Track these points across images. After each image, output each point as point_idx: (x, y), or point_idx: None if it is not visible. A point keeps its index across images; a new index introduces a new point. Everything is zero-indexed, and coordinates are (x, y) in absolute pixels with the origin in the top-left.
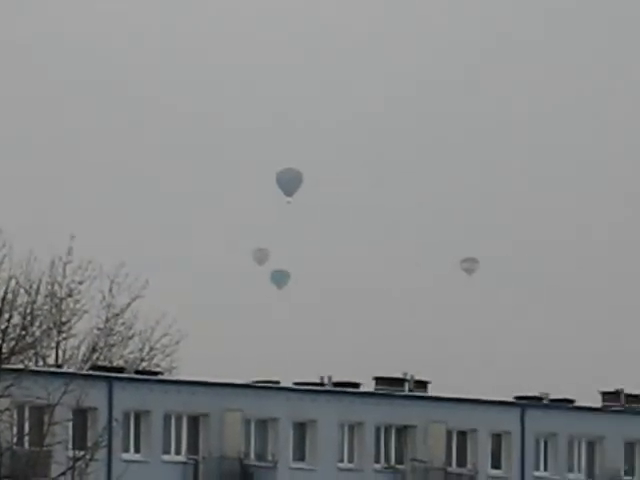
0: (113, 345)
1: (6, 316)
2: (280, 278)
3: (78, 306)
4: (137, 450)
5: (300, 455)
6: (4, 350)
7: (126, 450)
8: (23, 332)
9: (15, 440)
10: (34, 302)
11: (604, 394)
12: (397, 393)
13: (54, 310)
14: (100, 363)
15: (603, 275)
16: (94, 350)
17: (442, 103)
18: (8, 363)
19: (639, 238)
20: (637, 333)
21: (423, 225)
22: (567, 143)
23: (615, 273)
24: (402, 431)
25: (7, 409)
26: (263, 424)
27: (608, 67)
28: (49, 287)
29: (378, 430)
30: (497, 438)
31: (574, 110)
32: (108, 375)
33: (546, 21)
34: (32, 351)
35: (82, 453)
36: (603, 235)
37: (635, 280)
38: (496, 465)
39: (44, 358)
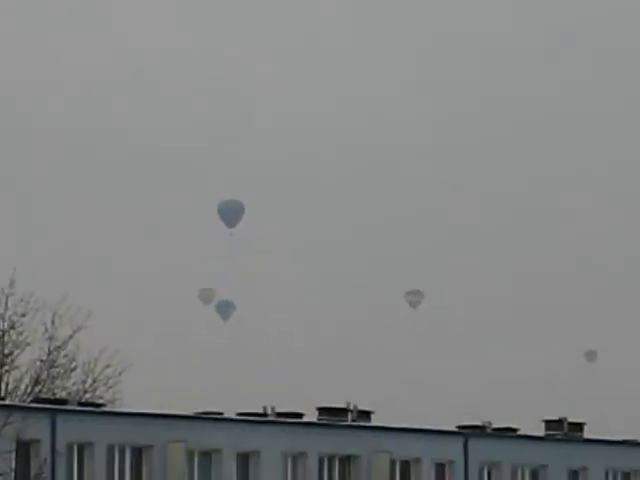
0: (56, 377)
1: None
2: (225, 309)
3: (21, 338)
4: None
5: None
6: None
7: None
8: None
9: None
10: None
11: (547, 422)
12: (340, 423)
13: None
14: (43, 395)
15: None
16: (37, 382)
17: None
18: None
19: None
20: (576, 363)
21: (367, 257)
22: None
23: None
24: (346, 461)
25: None
26: (206, 455)
27: None
28: None
29: (321, 460)
30: (441, 467)
31: None
32: (51, 407)
33: None
34: None
35: None
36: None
37: (573, 313)
38: None
39: None
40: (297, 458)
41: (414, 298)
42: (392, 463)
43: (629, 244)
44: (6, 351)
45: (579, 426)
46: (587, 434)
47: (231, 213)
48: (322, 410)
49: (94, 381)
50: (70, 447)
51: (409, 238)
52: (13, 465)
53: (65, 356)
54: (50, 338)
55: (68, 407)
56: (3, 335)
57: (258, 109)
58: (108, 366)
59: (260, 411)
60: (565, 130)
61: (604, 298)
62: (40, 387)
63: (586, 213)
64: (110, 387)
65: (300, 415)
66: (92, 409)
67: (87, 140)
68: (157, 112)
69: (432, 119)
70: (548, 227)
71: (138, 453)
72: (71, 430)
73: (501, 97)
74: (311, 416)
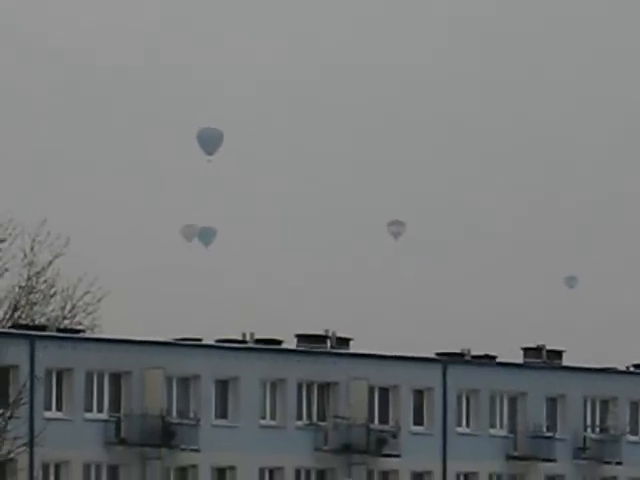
0: (35, 303)
1: None
2: (206, 235)
3: None
4: (59, 408)
5: (222, 412)
6: None
7: (48, 408)
8: None
9: None
10: None
11: (526, 350)
12: (319, 350)
13: None
14: (22, 321)
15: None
16: (16, 308)
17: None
18: None
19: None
20: (556, 290)
21: (349, 186)
22: None
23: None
24: (324, 388)
25: None
26: (185, 382)
27: None
28: None
29: (300, 387)
30: (419, 394)
31: None
32: (30, 333)
33: None
34: None
35: (2, 411)
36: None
37: (552, 239)
38: (418, 421)
39: None
40: (276, 385)
41: (396, 229)
42: (370, 390)
43: (611, 171)
44: None
45: (558, 354)
46: (566, 361)
47: (210, 140)
48: (301, 337)
49: (73, 307)
50: (49, 373)
51: (393, 168)
52: None
53: (44, 282)
54: (29, 264)
55: (47, 333)
56: None
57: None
58: (87, 293)
59: (239, 338)
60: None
61: (584, 224)
62: (19, 313)
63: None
64: (89, 313)
65: (279, 342)
66: (71, 335)
67: (70, 70)
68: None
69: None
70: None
71: (117, 379)
72: (50, 356)
73: None
74: (290, 343)
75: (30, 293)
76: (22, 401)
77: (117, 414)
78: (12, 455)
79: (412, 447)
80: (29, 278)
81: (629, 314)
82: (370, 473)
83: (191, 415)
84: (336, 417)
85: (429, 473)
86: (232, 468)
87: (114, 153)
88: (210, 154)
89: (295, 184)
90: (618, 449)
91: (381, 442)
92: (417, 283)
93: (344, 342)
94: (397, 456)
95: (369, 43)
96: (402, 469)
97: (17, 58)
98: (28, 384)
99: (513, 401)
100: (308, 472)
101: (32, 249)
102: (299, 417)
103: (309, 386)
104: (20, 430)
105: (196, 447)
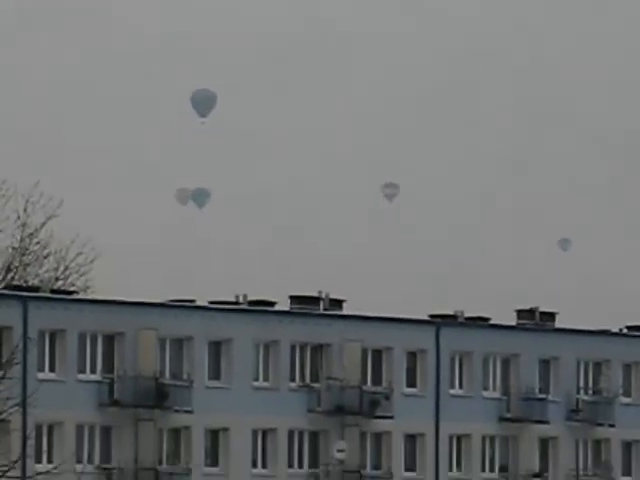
0: (28, 264)
1: None
2: (200, 197)
3: None
4: (52, 369)
5: (215, 374)
6: None
7: (41, 369)
8: None
9: None
10: None
11: (519, 312)
12: (312, 312)
13: None
14: (15, 282)
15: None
16: (9, 269)
17: None
18: None
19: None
20: (550, 252)
21: (348, 144)
22: None
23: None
24: (317, 350)
25: None
26: (178, 343)
27: None
28: None
29: (293, 349)
30: (412, 356)
31: None
32: (23, 294)
33: None
34: None
35: None
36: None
37: (547, 201)
38: (411, 383)
39: None
40: (269, 346)
41: (390, 191)
42: (364, 352)
43: (606, 134)
44: None
45: (551, 316)
46: (559, 324)
47: (203, 102)
48: (294, 299)
49: (66, 269)
50: (42, 334)
51: (390, 129)
52: None
53: (37, 244)
54: (22, 226)
55: (40, 294)
56: None
57: None
58: (80, 254)
59: (232, 299)
60: None
61: (579, 186)
62: (12, 274)
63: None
64: (82, 275)
65: (272, 304)
66: (64, 296)
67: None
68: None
69: None
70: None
71: (110, 340)
72: (43, 317)
73: None
74: (283, 305)
75: (23, 255)
76: (15, 362)
77: (110, 375)
78: (5, 416)
79: (405, 409)
80: (22, 239)
81: (622, 277)
82: (363, 435)
83: (184, 376)
84: (329, 379)
85: (422, 435)
86: (225, 429)
87: (108, 115)
88: (203, 116)
89: (292, 143)
90: (611, 411)
91: (374, 404)
92: (411, 245)
93: (337, 304)
94: (390, 418)
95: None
96: (395, 431)
97: None
98: (21, 345)
99: (506, 363)
100: (301, 433)
101: (25, 210)
102: (292, 379)
103: (302, 348)
104: (13, 391)
105: (189, 408)
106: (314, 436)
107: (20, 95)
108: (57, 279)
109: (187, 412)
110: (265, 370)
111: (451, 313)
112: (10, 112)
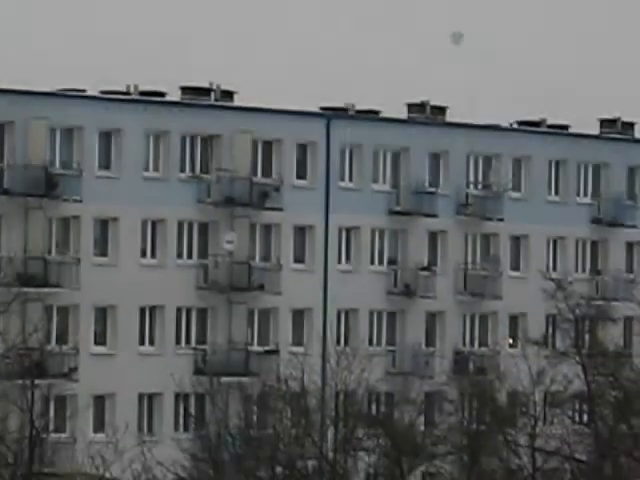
0: None
1: None
2: None
3: None
4: None
5: (105, 164)
6: None
7: None
8: None
9: None
10: None
11: (409, 106)
12: (203, 103)
13: None
14: None
15: None
16: None
17: None
18: None
19: None
20: (441, 46)
21: None
22: None
23: None
24: (208, 141)
25: None
26: (68, 133)
27: None
28: None
29: (184, 139)
30: (302, 148)
31: None
32: None
33: None
34: None
35: None
36: None
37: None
38: (301, 175)
39: None
40: (159, 136)
41: None
42: (254, 143)
43: None
44: None
45: (441, 110)
46: (450, 118)
47: None
48: (185, 89)
49: None
50: None
51: None
52: None
53: None
54: None
55: None
56: None
57: None
58: None
59: (123, 89)
60: None
61: None
62: None
63: None
64: None
65: (163, 94)
66: None
67: None
68: None
69: None
70: None
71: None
72: None
73: None
74: (174, 95)
75: None
76: None
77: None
78: None
79: (295, 201)
80: None
81: (514, 71)
82: (252, 226)
83: (74, 166)
84: (219, 170)
85: (311, 227)
86: (115, 219)
87: None
88: None
89: None
90: (500, 206)
91: (263, 195)
92: (304, 37)
93: (228, 95)
94: (279, 210)
95: None
96: (284, 222)
97: None
98: None
99: (396, 157)
100: (190, 224)
101: None
102: (182, 169)
103: (192, 139)
104: None
105: (78, 198)
106: (203, 227)
107: None
108: None
109: (76, 201)
110: (155, 161)
111: (342, 106)
112: None
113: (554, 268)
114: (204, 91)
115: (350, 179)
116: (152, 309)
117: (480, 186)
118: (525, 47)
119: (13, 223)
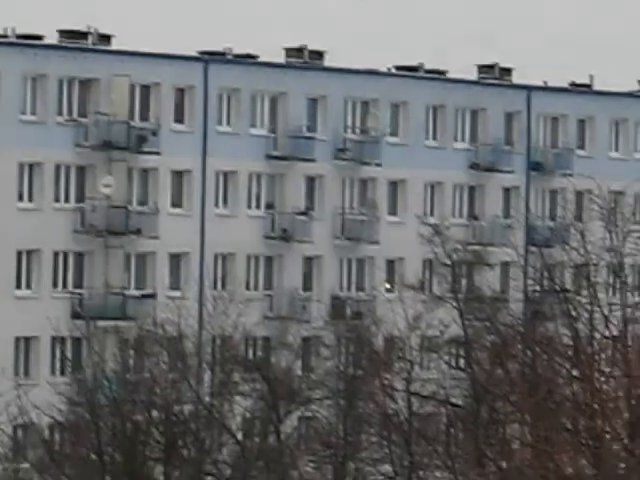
0: None
1: None
2: None
3: None
4: None
5: None
6: None
7: None
8: None
9: None
10: None
11: (287, 50)
12: (80, 46)
13: None
14: None
15: None
16: None
17: None
18: None
19: None
20: None
21: None
22: None
23: None
24: (85, 84)
25: None
26: None
27: None
28: None
29: (61, 83)
30: (180, 93)
31: None
32: None
33: None
34: None
35: None
36: None
37: None
38: (179, 119)
39: None
40: (36, 80)
41: None
42: (132, 87)
43: None
44: None
45: (319, 54)
46: (328, 62)
47: None
48: (63, 33)
49: None
50: None
51: None
52: None
53: None
54: None
55: None
56: None
57: None
58: None
59: (0, 32)
60: None
61: None
62: None
63: None
64: None
65: (40, 37)
66: None
67: None
68: None
69: None
70: None
71: None
72: None
73: None
74: (52, 38)
75: None
76: None
77: None
78: None
79: (172, 145)
80: None
81: (395, 15)
82: (130, 170)
83: None
84: (97, 113)
85: (188, 171)
86: None
87: None
88: None
89: None
90: (378, 151)
91: (141, 139)
92: None
93: (106, 39)
94: (157, 154)
95: None
96: (162, 167)
97: None
98: None
99: (274, 101)
100: (68, 168)
101: None
102: (60, 113)
103: (70, 82)
104: None
105: None
106: (81, 171)
107: None
108: None
109: None
110: (32, 104)
111: (220, 50)
112: None
113: (431, 213)
114: (82, 35)
115: (228, 123)
116: (29, 253)
117: (358, 131)
118: None
119: None
